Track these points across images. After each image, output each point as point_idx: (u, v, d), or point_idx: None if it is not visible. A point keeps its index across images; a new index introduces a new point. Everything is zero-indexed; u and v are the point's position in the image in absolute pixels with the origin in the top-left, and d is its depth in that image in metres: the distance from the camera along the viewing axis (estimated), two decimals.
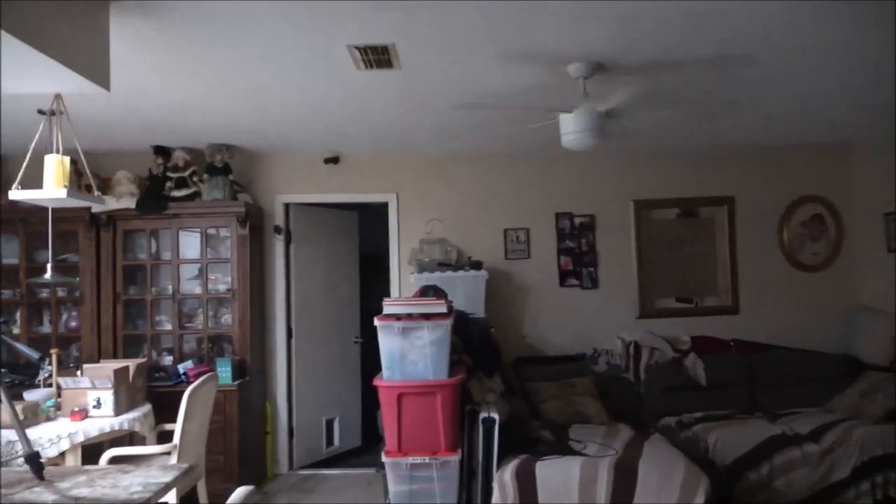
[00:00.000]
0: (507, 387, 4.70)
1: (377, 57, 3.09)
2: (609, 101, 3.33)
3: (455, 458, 3.51)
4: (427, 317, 3.54)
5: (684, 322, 5.48)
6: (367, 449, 5.82)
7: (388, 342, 3.55)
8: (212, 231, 5.14)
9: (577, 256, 5.53)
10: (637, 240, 5.54)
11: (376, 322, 3.54)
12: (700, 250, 5.61)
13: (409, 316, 3.55)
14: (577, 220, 5.53)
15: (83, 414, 3.76)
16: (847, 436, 4.26)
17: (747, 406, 4.98)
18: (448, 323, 3.55)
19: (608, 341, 5.30)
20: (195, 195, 5.02)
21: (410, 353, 3.54)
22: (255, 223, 5.19)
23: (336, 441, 5.75)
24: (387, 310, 3.59)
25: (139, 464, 3.89)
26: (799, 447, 4.26)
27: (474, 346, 4.48)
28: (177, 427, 3.65)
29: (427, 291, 3.95)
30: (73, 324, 4.99)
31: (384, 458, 3.51)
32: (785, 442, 4.29)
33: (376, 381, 3.57)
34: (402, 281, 5.42)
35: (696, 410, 4.86)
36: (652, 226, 5.57)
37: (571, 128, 3.27)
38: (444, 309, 3.58)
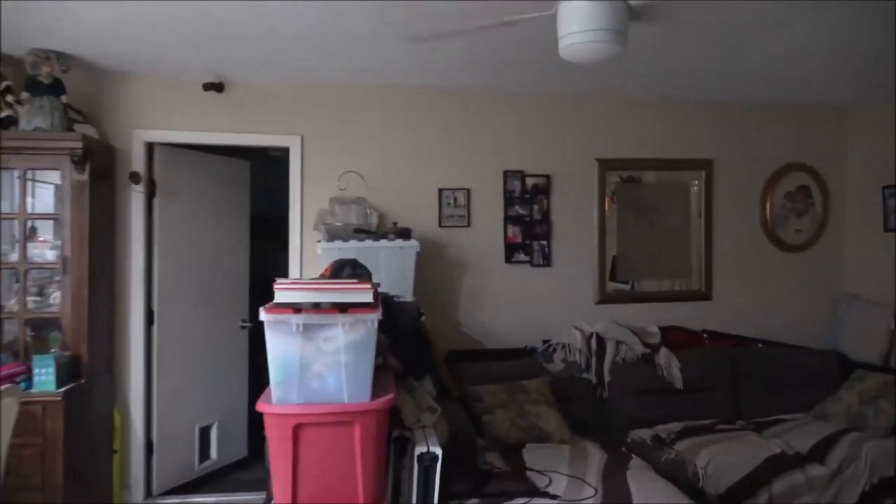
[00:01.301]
0: (439, 390, 3.61)
1: None
2: None
3: None
4: (343, 308, 2.34)
5: (651, 308, 4.56)
6: (254, 460, 4.59)
7: (281, 346, 2.32)
8: (36, 175, 3.66)
9: (528, 226, 4.45)
10: (599, 208, 4.53)
11: (263, 315, 2.30)
12: (672, 223, 4.67)
13: (316, 307, 2.34)
14: (529, 182, 4.44)
15: None
16: (855, 453, 3.57)
17: (729, 412, 4.13)
18: (374, 317, 2.36)
19: (564, 332, 4.28)
20: (9, 121, 3.54)
21: (316, 363, 2.33)
22: (101, 166, 3.77)
23: (213, 454, 4.46)
24: (280, 297, 2.35)
25: None
26: (802, 470, 3.46)
27: (402, 341, 3.32)
28: None
29: (343, 268, 2.74)
30: None
31: None
32: (786, 463, 3.48)
33: (261, 406, 2.34)
34: (306, 252, 4.17)
35: (670, 419, 3.98)
36: (617, 191, 4.57)
37: (578, 26, 2.11)
38: (368, 297, 2.39)
